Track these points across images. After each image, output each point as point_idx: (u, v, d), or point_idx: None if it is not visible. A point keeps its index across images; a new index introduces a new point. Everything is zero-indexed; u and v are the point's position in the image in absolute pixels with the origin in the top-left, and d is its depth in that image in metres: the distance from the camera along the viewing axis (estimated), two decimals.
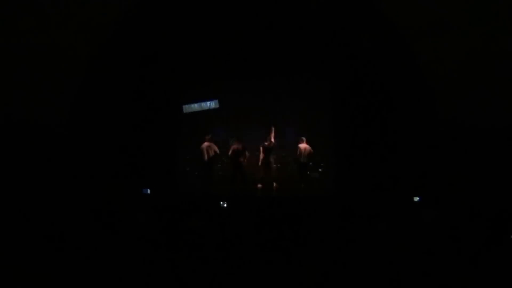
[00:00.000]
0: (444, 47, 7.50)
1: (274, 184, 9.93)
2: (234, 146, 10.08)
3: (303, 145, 10.16)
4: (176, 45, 9.70)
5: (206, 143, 10.18)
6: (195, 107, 10.96)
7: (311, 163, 10.10)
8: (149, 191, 7.49)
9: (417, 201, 6.50)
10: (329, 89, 10.92)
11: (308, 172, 10.14)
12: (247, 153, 10.06)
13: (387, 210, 5.95)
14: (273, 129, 9.98)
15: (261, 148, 10.01)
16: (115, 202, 6.27)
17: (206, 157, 10.10)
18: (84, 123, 7.88)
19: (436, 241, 4.70)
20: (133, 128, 9.45)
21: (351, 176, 10.03)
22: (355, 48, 9.53)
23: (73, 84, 7.50)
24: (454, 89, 7.59)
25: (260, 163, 10.02)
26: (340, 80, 10.42)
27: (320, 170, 11.01)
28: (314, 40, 9.74)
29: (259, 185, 9.88)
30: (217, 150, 10.16)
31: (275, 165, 10.09)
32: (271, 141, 9.96)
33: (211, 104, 10.92)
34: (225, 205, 6.09)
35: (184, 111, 10.93)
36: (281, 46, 9.96)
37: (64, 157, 7.46)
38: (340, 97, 10.51)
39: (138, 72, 9.26)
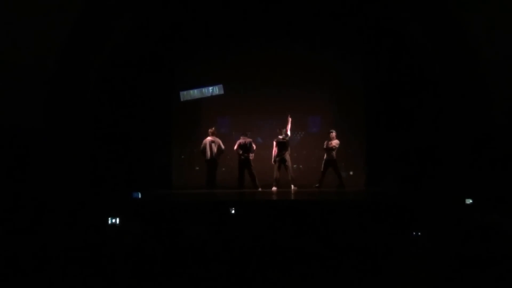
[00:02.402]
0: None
1: (292, 186, 9.90)
2: (241, 141, 10.07)
3: (326, 141, 10.13)
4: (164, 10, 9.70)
5: (209, 138, 10.13)
6: (194, 93, 10.97)
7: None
8: (140, 196, 7.51)
9: (470, 204, 6.43)
10: (362, 70, 10.90)
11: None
12: (254, 146, 10.03)
13: (433, 214, 5.88)
14: (290, 119, 9.99)
15: (275, 143, 9.98)
16: (99, 210, 6.28)
17: (209, 154, 10.12)
18: (59, 119, 7.94)
19: (491, 250, 4.65)
20: (118, 121, 9.48)
21: (387, 176, 10.00)
22: (393, 23, 9.46)
23: (44, 77, 7.61)
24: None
25: (273, 161, 10.01)
26: (376, 62, 10.36)
27: (351, 172, 11.04)
28: (347, 10, 9.69)
29: (274, 188, 9.83)
30: (222, 146, 10.17)
31: (292, 165, 10.06)
32: (286, 134, 9.94)
33: (214, 90, 10.92)
34: (233, 211, 6.05)
35: (182, 98, 10.95)
36: (302, 11, 9.88)
37: (39, 160, 7.53)
38: (376, 80, 10.45)
39: (121, 53, 9.30)
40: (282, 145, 9.88)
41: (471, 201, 6.49)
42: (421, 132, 9.38)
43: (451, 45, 8.39)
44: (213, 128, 10.26)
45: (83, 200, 6.96)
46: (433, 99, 9.11)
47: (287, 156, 9.92)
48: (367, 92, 10.73)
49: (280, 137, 9.88)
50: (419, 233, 5.23)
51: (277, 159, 9.91)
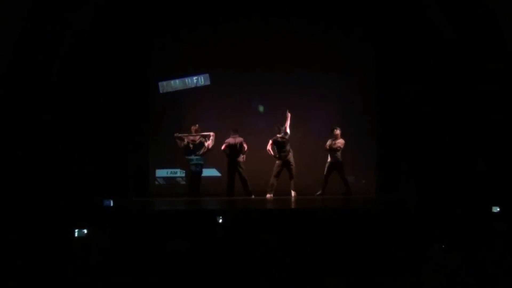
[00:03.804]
0: None
1: (293, 193, 9.92)
2: (230, 140, 10.09)
3: (329, 141, 10.17)
4: None
5: (191, 137, 10.18)
6: (176, 84, 10.96)
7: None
8: (111, 204, 7.51)
9: (497, 212, 6.47)
10: (373, 55, 10.96)
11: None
12: (245, 147, 10.05)
13: (455, 225, 5.92)
14: (289, 115, 10.01)
15: (271, 142, 10.00)
16: (64, 220, 6.28)
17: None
18: (14, 117, 7.92)
19: None
20: (86, 119, 9.46)
21: (402, 181, 10.03)
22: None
23: None
24: None
25: (276, 166, 9.98)
26: (391, 46, 10.38)
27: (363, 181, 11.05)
28: None
29: (268, 195, 9.86)
30: (209, 141, 10.14)
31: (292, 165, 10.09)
32: (286, 133, 9.94)
33: (199, 80, 10.92)
34: (220, 221, 6.09)
35: (161, 90, 10.95)
36: None
37: None
38: (390, 68, 10.48)
39: (87, 39, 9.27)
40: (281, 145, 9.91)
41: (498, 209, 6.54)
42: (441, 131, 9.41)
43: (478, 31, 8.41)
44: (197, 126, 10.25)
45: (45, 209, 6.94)
46: (456, 93, 9.15)
47: (291, 158, 9.96)
48: (380, 82, 10.79)
49: (279, 135, 9.90)
50: (439, 247, 5.29)
51: (279, 163, 9.92)
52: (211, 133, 10.15)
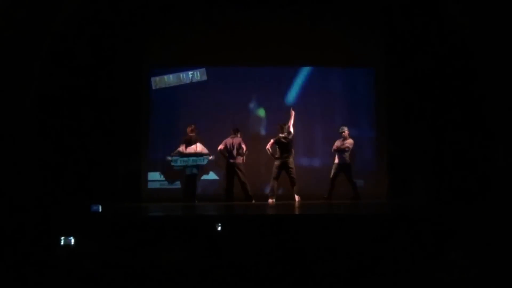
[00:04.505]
0: None
1: (297, 197, 9.87)
2: (228, 140, 10.09)
3: (338, 141, 10.16)
4: None
5: (187, 138, 10.20)
6: (170, 80, 10.95)
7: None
8: (100, 209, 7.50)
9: None
10: (383, 46, 10.93)
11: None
12: (244, 148, 10.06)
13: (472, 231, 5.91)
14: (293, 113, 10.00)
15: (272, 141, 9.99)
16: (50, 227, 6.27)
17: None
18: None
19: None
20: (73, 118, 9.44)
21: (415, 186, 10.01)
22: None
23: None
24: None
25: (275, 167, 9.95)
26: (402, 36, 10.36)
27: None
28: None
29: (270, 200, 9.84)
30: (205, 150, 10.16)
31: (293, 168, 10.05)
32: (289, 132, 9.94)
33: (195, 75, 10.91)
34: (219, 228, 6.08)
35: (154, 86, 10.93)
36: None
37: None
38: (401, 60, 10.46)
39: (73, 31, 9.25)
40: (283, 146, 9.87)
41: None
42: (458, 130, 9.38)
43: (498, 23, 8.40)
44: (193, 126, 10.24)
45: (28, 215, 6.93)
46: (475, 89, 9.11)
47: (291, 160, 9.91)
48: (390, 76, 10.74)
49: (282, 135, 9.86)
50: (456, 255, 5.27)
51: (277, 163, 9.89)
52: (211, 156, 10.23)
